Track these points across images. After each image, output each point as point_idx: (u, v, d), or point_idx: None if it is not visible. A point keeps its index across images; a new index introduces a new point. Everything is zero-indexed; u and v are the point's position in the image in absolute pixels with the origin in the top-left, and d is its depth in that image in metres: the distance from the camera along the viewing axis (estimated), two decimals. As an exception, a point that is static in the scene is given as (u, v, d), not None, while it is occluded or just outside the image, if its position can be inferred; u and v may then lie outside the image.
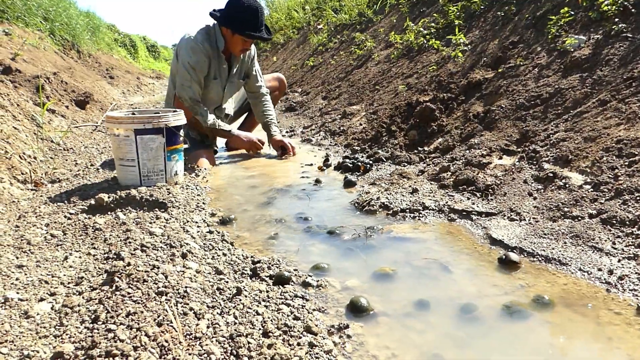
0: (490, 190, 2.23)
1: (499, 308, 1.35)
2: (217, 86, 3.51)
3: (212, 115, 3.48)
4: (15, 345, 1.10)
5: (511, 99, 2.88)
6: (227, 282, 1.50)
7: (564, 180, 2.04)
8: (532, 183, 2.17)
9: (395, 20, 6.44)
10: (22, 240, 1.78)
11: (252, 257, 1.74)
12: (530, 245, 1.71)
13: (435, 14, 5.12)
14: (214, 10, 3.37)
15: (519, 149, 2.52)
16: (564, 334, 1.24)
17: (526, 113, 2.70)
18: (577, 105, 2.45)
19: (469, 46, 3.98)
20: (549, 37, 3.11)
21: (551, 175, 2.11)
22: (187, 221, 2.07)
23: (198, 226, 2.05)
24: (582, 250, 1.61)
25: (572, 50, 2.79)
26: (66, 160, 3.29)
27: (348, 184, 2.69)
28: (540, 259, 1.63)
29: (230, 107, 3.98)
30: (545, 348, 1.18)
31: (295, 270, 1.62)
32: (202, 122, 3.40)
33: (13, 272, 1.49)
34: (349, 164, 3.03)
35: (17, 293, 1.35)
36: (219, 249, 1.79)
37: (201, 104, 3.40)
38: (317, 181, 2.80)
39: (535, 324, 1.28)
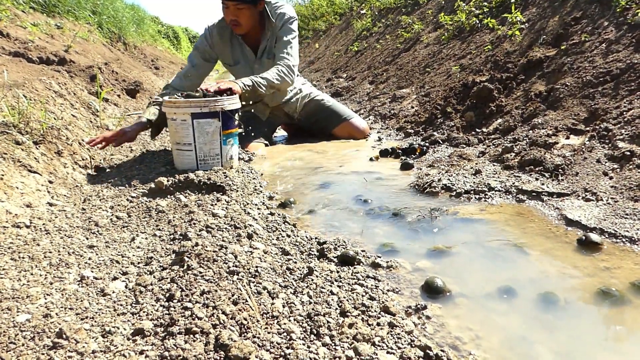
0: (560, 170, 2.12)
1: (588, 290, 1.27)
2: (243, 70, 3.36)
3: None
4: (95, 321, 1.10)
5: (577, 77, 2.73)
6: (295, 262, 1.47)
7: (643, 159, 1.91)
8: (606, 162, 2.04)
9: (443, 2, 6.26)
10: (89, 222, 1.80)
11: (316, 238, 1.70)
12: (611, 225, 1.61)
13: (487, -7, 4.93)
14: None
15: (588, 128, 2.38)
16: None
17: (594, 90, 2.55)
18: (654, 80, 2.30)
19: (527, 24, 3.81)
20: (617, 10, 2.93)
21: (628, 154, 1.98)
22: (247, 203, 2.06)
23: (258, 208, 2.03)
24: (672, 231, 1.50)
25: (644, 22, 2.62)
26: (122, 146, 3.34)
27: (405, 167, 2.62)
28: (624, 240, 1.53)
29: (273, 99, 3.57)
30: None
31: (362, 251, 1.58)
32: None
33: (85, 252, 1.50)
34: (404, 146, 2.95)
35: (92, 272, 1.36)
36: (283, 230, 1.76)
37: (169, 87, 3.17)
38: (372, 163, 2.74)
39: (634, 309, 1.19)
